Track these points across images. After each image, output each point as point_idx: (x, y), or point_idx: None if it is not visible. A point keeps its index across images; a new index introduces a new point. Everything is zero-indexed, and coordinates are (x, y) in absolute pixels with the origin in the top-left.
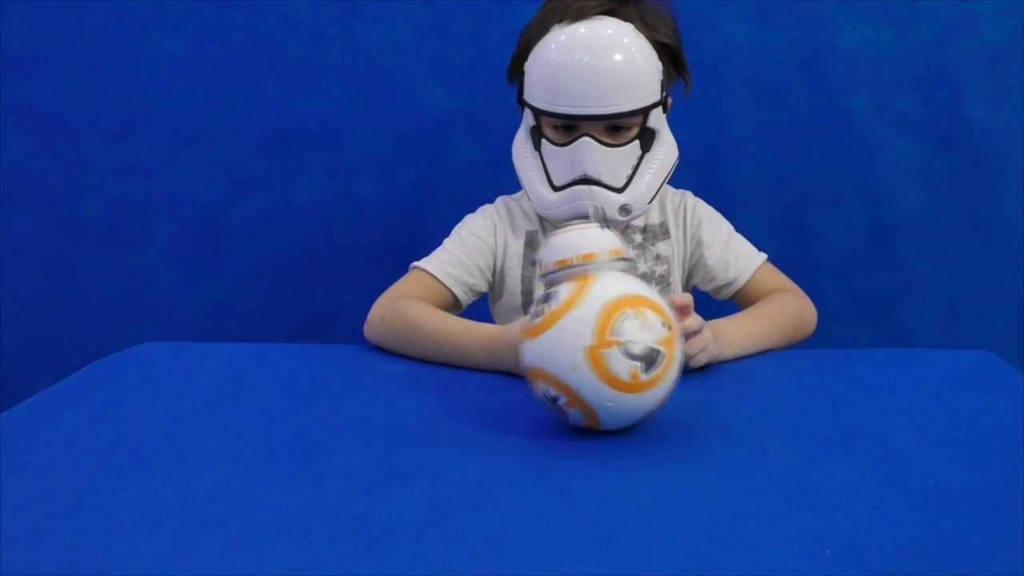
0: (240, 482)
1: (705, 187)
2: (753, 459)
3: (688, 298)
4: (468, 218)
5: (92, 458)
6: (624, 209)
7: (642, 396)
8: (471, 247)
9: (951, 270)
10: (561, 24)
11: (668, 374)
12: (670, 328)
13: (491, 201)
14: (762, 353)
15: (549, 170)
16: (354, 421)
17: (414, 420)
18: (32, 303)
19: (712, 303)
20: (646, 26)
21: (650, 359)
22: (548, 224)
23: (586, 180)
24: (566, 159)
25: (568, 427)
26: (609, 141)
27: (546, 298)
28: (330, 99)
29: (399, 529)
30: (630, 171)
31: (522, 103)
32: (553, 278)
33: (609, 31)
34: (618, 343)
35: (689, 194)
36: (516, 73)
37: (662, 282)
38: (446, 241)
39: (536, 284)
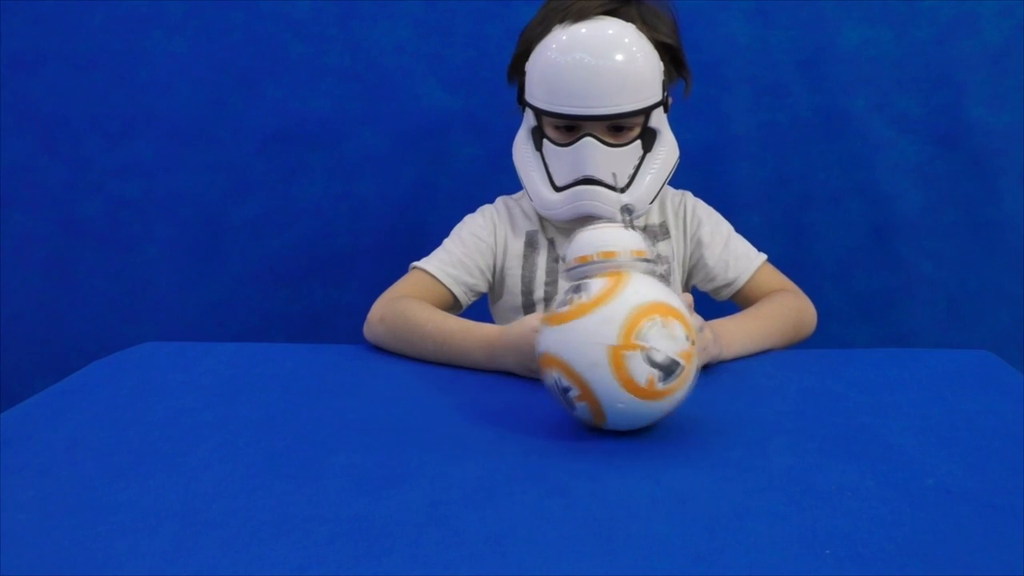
0: (240, 482)
1: (705, 187)
2: (753, 459)
3: (688, 298)
4: (468, 218)
5: (92, 458)
6: (626, 209)
7: (653, 404)
8: (471, 247)
9: (951, 270)
10: (562, 24)
11: (683, 386)
12: (693, 342)
13: (491, 201)
14: (762, 353)
15: (551, 170)
16: (354, 421)
17: (414, 420)
18: (32, 303)
19: (712, 303)
20: (647, 26)
21: (669, 369)
22: (548, 224)
23: (588, 180)
24: (568, 159)
25: (569, 424)
26: (611, 141)
27: (576, 288)
28: (330, 99)
29: (399, 529)
30: (632, 171)
31: (523, 103)
32: (574, 274)
33: (611, 31)
34: (642, 348)
35: (689, 194)
36: (517, 73)
37: (662, 282)
38: (446, 241)
39: (560, 279)
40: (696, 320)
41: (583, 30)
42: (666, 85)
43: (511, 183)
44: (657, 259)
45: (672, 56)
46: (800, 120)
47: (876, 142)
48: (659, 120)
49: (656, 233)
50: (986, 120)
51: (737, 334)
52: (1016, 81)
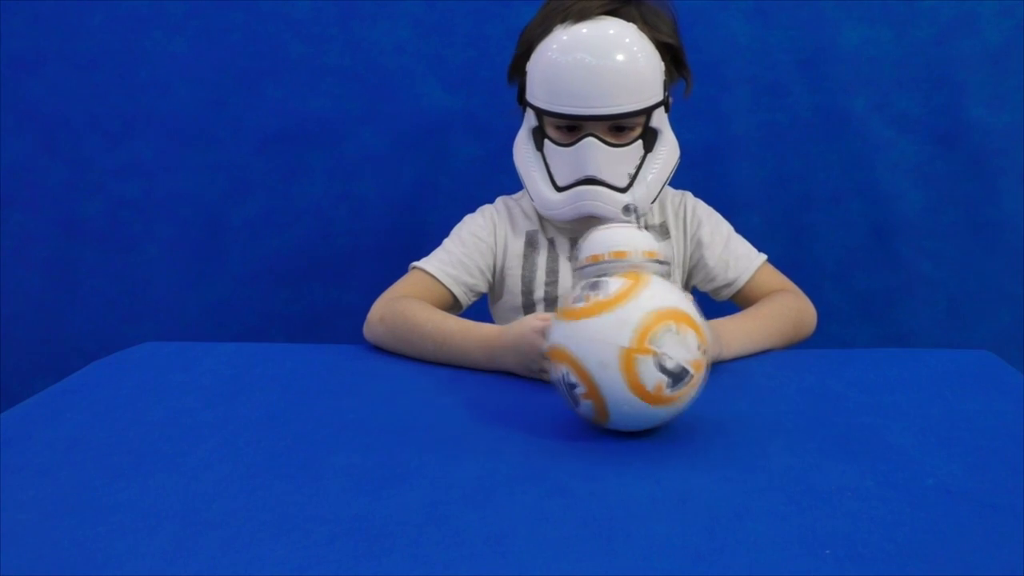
0: (240, 482)
1: (705, 187)
2: (753, 459)
3: (688, 298)
4: (468, 218)
5: (92, 458)
6: (628, 209)
7: (659, 409)
8: (471, 247)
9: (951, 270)
10: (564, 24)
11: (689, 395)
12: (704, 352)
13: (491, 201)
14: (762, 353)
15: (552, 170)
16: (354, 421)
17: (414, 420)
18: (32, 303)
19: (712, 303)
20: (648, 26)
21: (679, 376)
22: (548, 224)
23: (590, 180)
24: (570, 159)
25: (569, 424)
26: (613, 141)
27: (594, 286)
28: (330, 99)
29: (399, 529)
30: (633, 171)
31: (523, 103)
32: (585, 272)
33: (612, 31)
34: (654, 353)
35: (689, 195)
36: (517, 73)
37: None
38: (446, 241)
39: (572, 278)
40: None
41: (584, 30)
42: (667, 85)
43: (511, 183)
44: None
45: (673, 56)
46: (800, 120)
47: (876, 142)
48: (660, 120)
49: (657, 234)
50: (986, 120)
51: (737, 334)
52: (1016, 81)
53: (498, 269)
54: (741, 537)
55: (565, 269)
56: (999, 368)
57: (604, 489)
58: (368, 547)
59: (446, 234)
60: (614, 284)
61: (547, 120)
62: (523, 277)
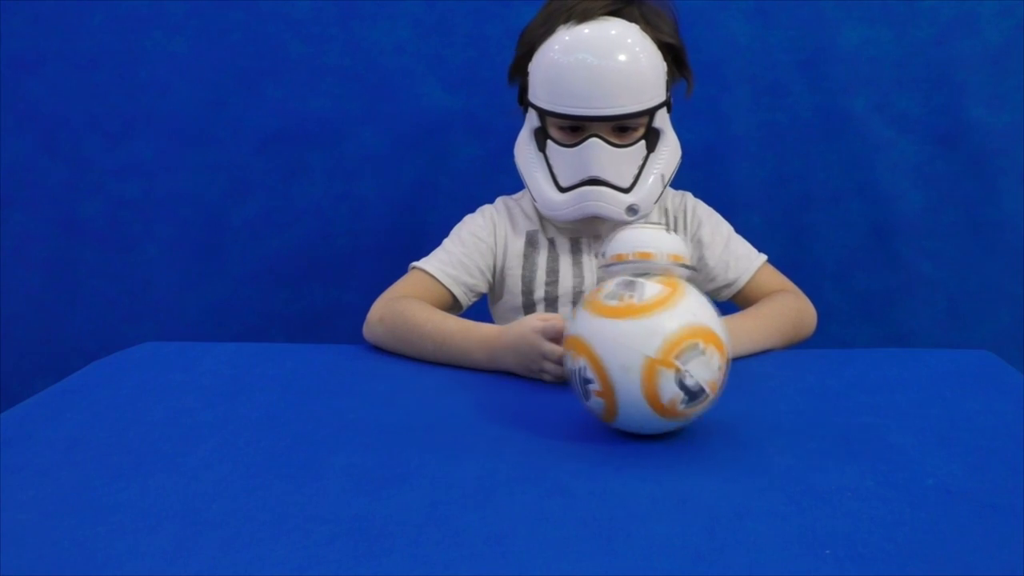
0: (240, 482)
1: (705, 187)
2: (753, 459)
3: None
4: (468, 218)
5: (92, 458)
6: (631, 209)
7: (667, 421)
8: (471, 247)
9: (951, 270)
10: (566, 25)
11: (699, 412)
12: (724, 374)
13: (491, 201)
14: (762, 353)
15: (555, 171)
16: (354, 421)
17: (414, 420)
18: (32, 303)
19: (712, 304)
20: (650, 26)
21: (695, 395)
22: (549, 224)
23: (594, 181)
24: (573, 160)
25: (569, 424)
26: (616, 142)
27: (629, 286)
28: (330, 99)
29: (399, 529)
30: (636, 171)
31: (525, 104)
32: (609, 271)
33: (616, 32)
34: (677, 369)
35: (689, 195)
36: (518, 74)
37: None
38: (445, 241)
39: (596, 275)
40: None
41: (587, 31)
42: (669, 85)
43: (511, 183)
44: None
45: (674, 56)
46: (800, 120)
47: (876, 142)
48: (662, 120)
49: None
50: (986, 120)
51: (737, 334)
52: (1016, 81)
53: (498, 269)
54: (741, 537)
55: (565, 269)
56: (999, 368)
57: (604, 489)
58: (368, 547)
59: (446, 234)
60: (650, 289)
61: (550, 121)
62: (523, 277)
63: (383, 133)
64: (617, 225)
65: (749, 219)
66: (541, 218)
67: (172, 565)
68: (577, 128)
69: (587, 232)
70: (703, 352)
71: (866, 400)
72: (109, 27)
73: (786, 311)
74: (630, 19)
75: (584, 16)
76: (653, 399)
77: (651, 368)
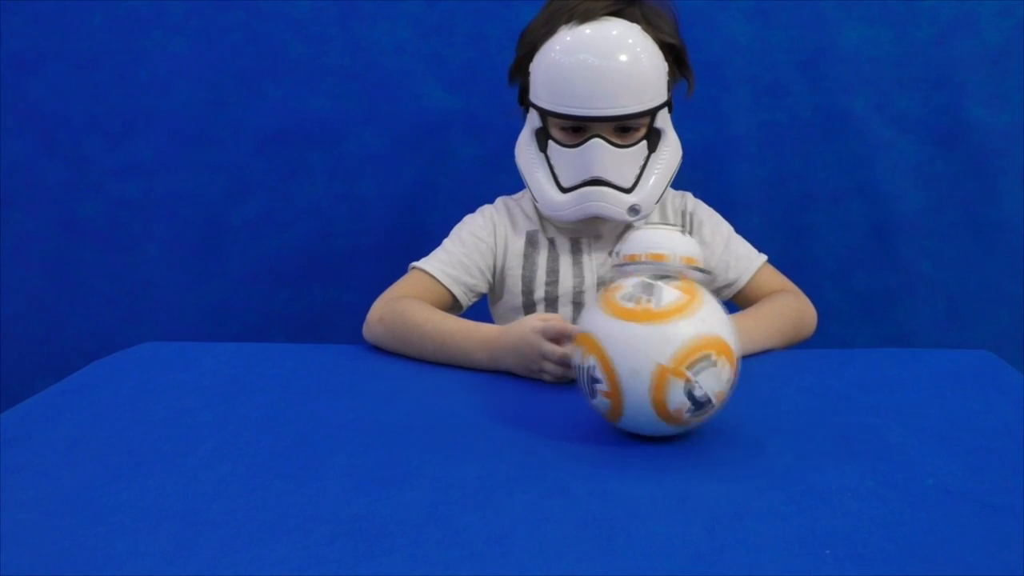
0: (240, 482)
1: (705, 187)
2: (753, 459)
3: None
4: (468, 218)
5: (92, 458)
6: (633, 209)
7: (671, 427)
8: (471, 247)
9: (951, 270)
10: (568, 25)
11: (703, 420)
12: (732, 385)
13: (491, 201)
14: (762, 353)
15: (557, 171)
16: (354, 421)
17: (414, 420)
18: (32, 303)
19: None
20: (651, 26)
21: (701, 406)
22: (549, 224)
23: (596, 181)
24: (575, 160)
25: (569, 424)
26: (618, 142)
27: (648, 289)
28: (330, 99)
29: (399, 529)
30: (638, 171)
31: (525, 104)
32: (622, 271)
33: (619, 32)
34: (687, 379)
35: (689, 195)
36: (519, 74)
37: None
38: (445, 241)
39: (609, 274)
40: None
41: (590, 31)
42: (670, 85)
43: (511, 183)
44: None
45: (675, 56)
46: (800, 120)
47: (876, 142)
48: (664, 120)
49: None
50: (986, 120)
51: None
52: (1016, 81)
53: (498, 269)
54: (741, 537)
55: (565, 269)
56: (999, 368)
57: (604, 489)
58: (368, 547)
59: (446, 234)
60: (668, 295)
61: (552, 121)
62: (523, 277)
63: (383, 133)
64: (618, 226)
65: (749, 219)
66: (541, 218)
67: (172, 565)
68: (579, 128)
69: (587, 232)
70: (714, 364)
71: (866, 400)
72: (109, 27)
73: (786, 311)
74: (631, 19)
75: (586, 16)
76: (660, 406)
77: (661, 375)
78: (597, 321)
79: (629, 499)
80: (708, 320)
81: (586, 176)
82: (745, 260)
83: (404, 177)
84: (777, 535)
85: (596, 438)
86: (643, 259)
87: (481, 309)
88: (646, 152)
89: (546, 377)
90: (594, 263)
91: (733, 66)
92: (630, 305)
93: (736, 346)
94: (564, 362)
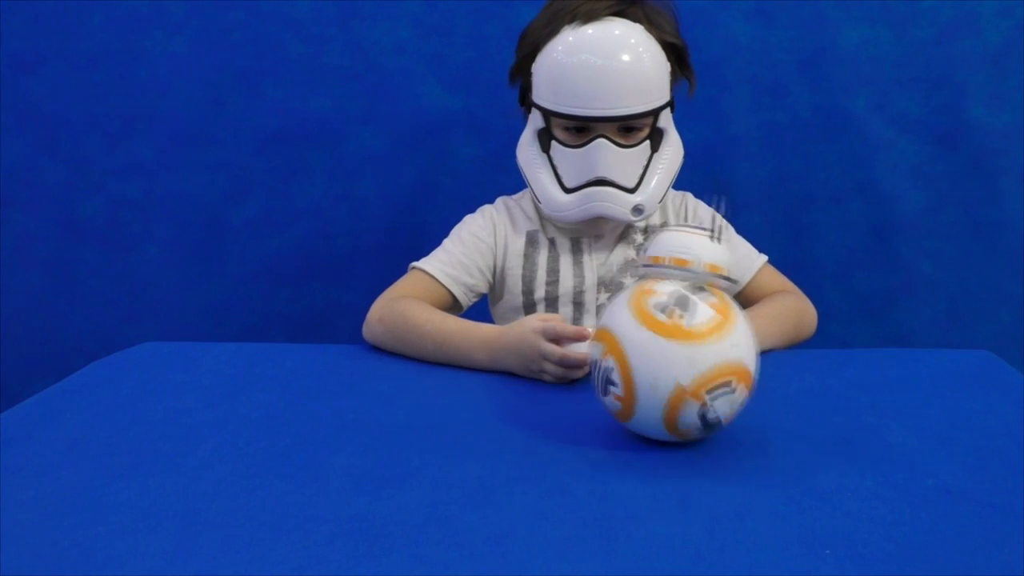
0: (240, 482)
1: (705, 187)
2: (753, 459)
3: None
4: (468, 218)
5: (92, 458)
6: (637, 209)
7: (675, 438)
8: (471, 247)
9: (951, 270)
10: (571, 26)
11: (707, 436)
12: (742, 407)
13: (491, 201)
14: (763, 353)
15: (560, 172)
16: (354, 421)
17: (414, 420)
18: (32, 303)
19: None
20: (653, 26)
21: (710, 427)
22: (549, 224)
23: (600, 182)
24: (579, 161)
25: (569, 424)
26: (622, 142)
27: (683, 302)
28: (330, 99)
29: (399, 529)
30: (641, 171)
31: (527, 104)
32: (645, 272)
33: (623, 32)
34: (703, 403)
35: (690, 195)
36: (520, 74)
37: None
38: (445, 241)
39: (632, 272)
40: None
41: (593, 31)
42: (672, 85)
43: (511, 183)
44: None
45: (677, 56)
46: (800, 120)
47: (876, 142)
48: (666, 120)
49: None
50: (986, 120)
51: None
52: (1016, 81)
53: (498, 269)
54: (741, 537)
55: (566, 269)
56: (999, 368)
57: (604, 489)
58: (368, 547)
59: (446, 234)
60: (702, 313)
61: (555, 121)
62: (523, 277)
63: (383, 133)
64: (618, 226)
65: (749, 219)
66: (541, 218)
67: (172, 565)
68: (583, 129)
69: (588, 232)
70: (733, 390)
71: (866, 400)
72: (109, 27)
73: (787, 312)
74: (634, 19)
75: (589, 17)
76: (670, 422)
77: (679, 396)
78: (625, 324)
79: (629, 499)
80: (737, 345)
81: (590, 176)
82: (746, 260)
83: (404, 177)
84: (777, 535)
85: (596, 438)
86: (667, 263)
87: (481, 309)
88: (649, 152)
89: (546, 377)
90: (594, 263)
91: (733, 66)
92: (662, 317)
93: (756, 370)
94: (564, 362)
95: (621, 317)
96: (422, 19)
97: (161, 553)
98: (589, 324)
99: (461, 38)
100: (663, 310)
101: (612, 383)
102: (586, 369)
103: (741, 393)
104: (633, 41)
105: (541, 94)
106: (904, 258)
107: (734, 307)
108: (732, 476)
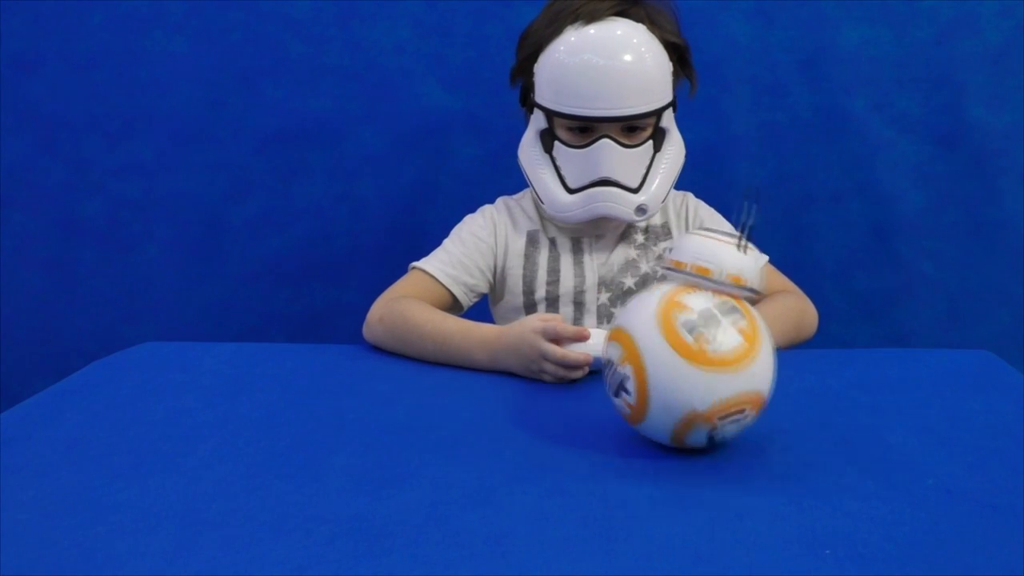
0: (240, 482)
1: (705, 187)
2: (753, 459)
3: None
4: (468, 218)
5: (92, 458)
6: (640, 209)
7: (677, 447)
8: (471, 247)
9: (951, 270)
10: (574, 26)
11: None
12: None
13: (491, 201)
14: None
15: (563, 172)
16: (354, 421)
17: (414, 420)
18: (32, 303)
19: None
20: (655, 26)
21: (715, 446)
22: (550, 224)
23: (604, 182)
24: (583, 161)
25: (569, 424)
26: (625, 142)
27: (711, 323)
28: (330, 99)
29: (399, 529)
30: (644, 171)
31: (528, 105)
32: (667, 275)
33: (625, 32)
34: (713, 427)
35: (691, 195)
36: (522, 75)
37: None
38: (446, 241)
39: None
40: None
41: (597, 32)
42: (674, 85)
43: (511, 183)
44: (658, 259)
45: (679, 56)
46: (800, 120)
47: (876, 142)
48: (669, 120)
49: (659, 234)
50: (986, 120)
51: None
52: (1016, 81)
53: (499, 269)
54: (741, 537)
55: (567, 268)
56: (999, 368)
57: (604, 489)
58: (368, 547)
59: (446, 234)
60: (728, 340)
61: (558, 122)
62: (524, 277)
63: (383, 133)
64: (620, 225)
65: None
66: (542, 217)
67: (172, 565)
68: (586, 129)
69: (589, 232)
70: (744, 419)
71: (866, 400)
72: (109, 27)
73: (788, 312)
74: (636, 19)
75: (591, 17)
76: (678, 438)
77: (692, 418)
78: (649, 336)
79: (629, 499)
80: (758, 374)
81: (594, 177)
82: None
83: (404, 177)
84: (777, 535)
85: (596, 438)
86: (689, 269)
87: (482, 309)
88: (652, 152)
89: (546, 377)
90: (595, 263)
91: (733, 66)
92: (688, 339)
93: (770, 393)
94: (564, 363)
95: (647, 326)
96: (422, 19)
97: (161, 553)
98: (589, 324)
99: (461, 38)
100: (691, 331)
101: (626, 391)
102: (586, 370)
103: (751, 417)
104: (636, 41)
105: (544, 94)
106: (904, 258)
107: (762, 331)
108: (732, 476)
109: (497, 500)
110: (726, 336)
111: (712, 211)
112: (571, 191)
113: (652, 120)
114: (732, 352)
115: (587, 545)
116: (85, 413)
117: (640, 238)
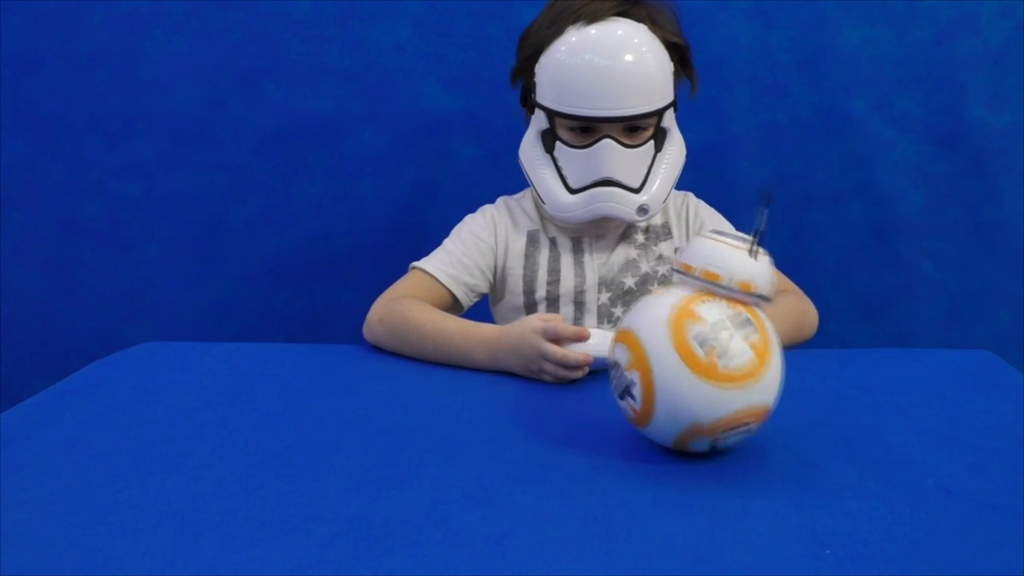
0: (240, 482)
1: (705, 187)
2: (753, 459)
3: None
4: (468, 218)
5: (92, 458)
6: (642, 209)
7: (679, 450)
8: (471, 247)
9: (951, 270)
10: (575, 26)
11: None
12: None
13: (491, 201)
14: None
15: (565, 172)
16: (354, 421)
17: (414, 420)
18: (32, 303)
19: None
20: (657, 26)
21: (717, 453)
22: (550, 223)
23: (606, 182)
24: (585, 161)
25: (569, 424)
26: (627, 142)
27: (723, 339)
28: (330, 99)
29: (399, 529)
30: (645, 171)
31: (529, 105)
32: (678, 277)
33: (627, 32)
34: (715, 438)
35: (691, 195)
36: (523, 75)
37: (664, 282)
38: (446, 241)
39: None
40: None
41: (599, 32)
42: (675, 84)
43: (511, 183)
44: (659, 259)
45: (680, 56)
46: (800, 120)
47: (876, 142)
48: (670, 120)
49: (659, 234)
50: (986, 120)
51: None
52: (1016, 81)
53: (499, 269)
54: (741, 537)
55: (567, 268)
56: (999, 368)
57: (604, 489)
58: (368, 547)
59: (446, 234)
60: (739, 356)
61: (559, 122)
62: (524, 277)
63: (383, 133)
64: (620, 225)
65: (749, 219)
66: (542, 217)
67: (172, 565)
68: (587, 129)
69: (590, 232)
70: (748, 431)
71: (866, 400)
72: (109, 27)
73: (788, 313)
74: (637, 19)
75: (592, 17)
76: (681, 444)
77: (696, 430)
78: (659, 345)
79: (629, 499)
80: (766, 388)
81: (596, 177)
82: None
83: (404, 177)
84: (777, 535)
85: (596, 438)
86: (697, 274)
87: (482, 309)
88: (653, 152)
89: (546, 377)
90: (595, 262)
91: (733, 66)
92: (699, 352)
93: (775, 404)
94: (564, 363)
95: (658, 335)
96: (422, 19)
97: (161, 553)
98: (590, 324)
99: (461, 38)
100: (702, 344)
101: (632, 396)
102: (586, 370)
103: (755, 428)
104: (637, 41)
105: (545, 95)
106: (904, 258)
107: (773, 344)
108: (732, 476)
109: (497, 500)
110: (737, 351)
111: (712, 211)
112: (573, 191)
113: (653, 120)
114: (741, 369)
115: (587, 545)
116: (85, 413)
117: (640, 238)
